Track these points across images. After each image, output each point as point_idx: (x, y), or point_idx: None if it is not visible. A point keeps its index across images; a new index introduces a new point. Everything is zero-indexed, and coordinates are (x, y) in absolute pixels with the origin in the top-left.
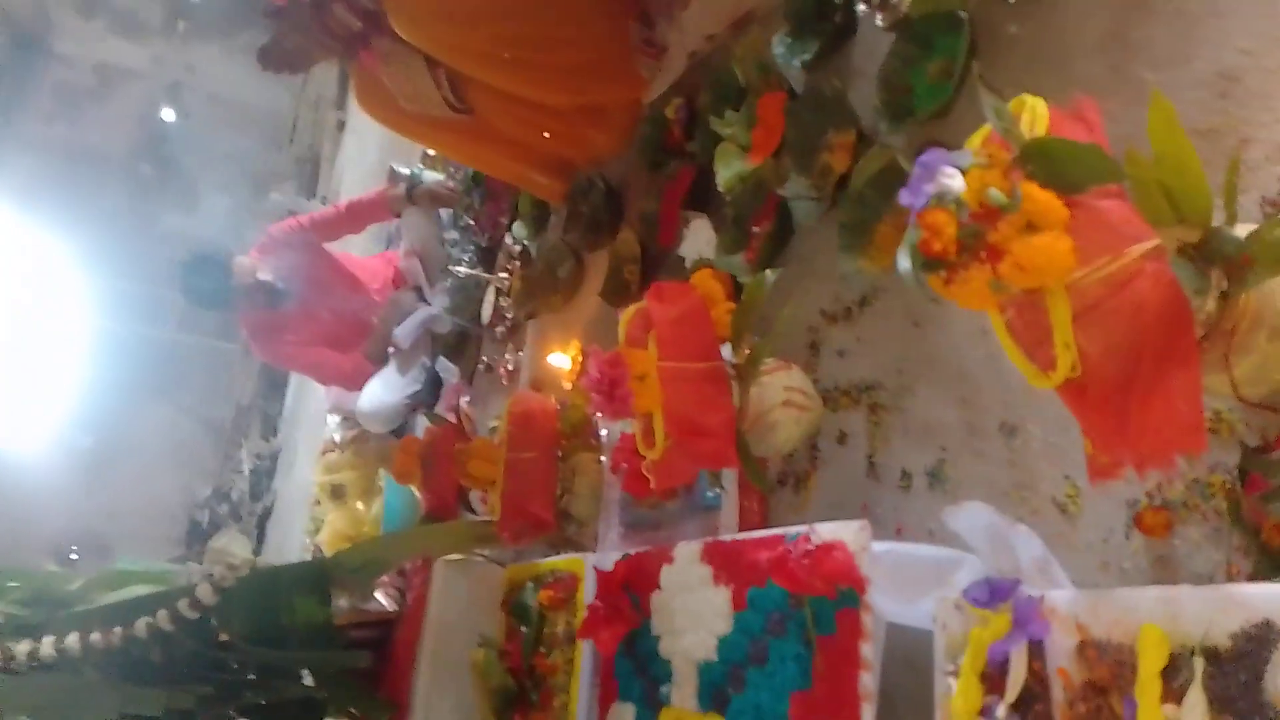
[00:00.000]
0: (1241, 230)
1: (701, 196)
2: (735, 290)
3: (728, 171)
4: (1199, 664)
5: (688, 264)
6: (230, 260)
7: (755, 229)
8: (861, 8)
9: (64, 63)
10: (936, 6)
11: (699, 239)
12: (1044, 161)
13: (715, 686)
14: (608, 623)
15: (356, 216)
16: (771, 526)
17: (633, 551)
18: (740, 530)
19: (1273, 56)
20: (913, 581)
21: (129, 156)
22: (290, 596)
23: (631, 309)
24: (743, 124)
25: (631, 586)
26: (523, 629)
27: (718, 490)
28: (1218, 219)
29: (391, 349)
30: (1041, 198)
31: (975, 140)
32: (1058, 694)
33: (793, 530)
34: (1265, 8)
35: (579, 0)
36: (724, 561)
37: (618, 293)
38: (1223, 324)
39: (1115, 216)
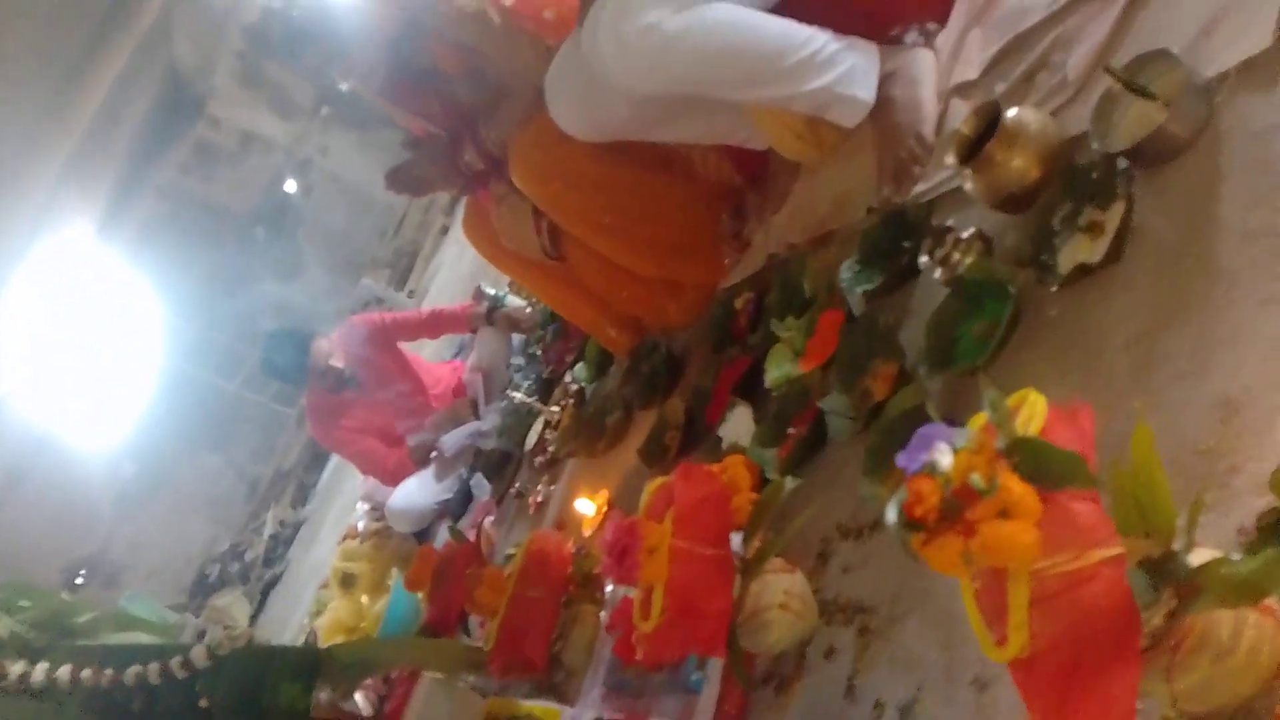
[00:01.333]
0: (1201, 555)
1: (751, 386)
2: (761, 482)
3: (778, 371)
4: None
5: (724, 445)
6: (311, 341)
7: (792, 430)
8: (924, 259)
9: (212, 123)
10: (989, 275)
11: (740, 425)
12: (1028, 457)
13: None
14: None
15: (436, 325)
16: None
17: (606, 716)
18: None
19: (1272, 399)
20: None
21: (247, 218)
22: (278, 679)
23: (657, 481)
24: (801, 331)
25: None
26: None
27: (701, 675)
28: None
29: (435, 454)
30: (1018, 490)
31: (976, 422)
32: None
33: None
34: (1267, 351)
35: (682, 187)
36: None
37: (656, 455)
38: (1167, 640)
39: (1084, 519)
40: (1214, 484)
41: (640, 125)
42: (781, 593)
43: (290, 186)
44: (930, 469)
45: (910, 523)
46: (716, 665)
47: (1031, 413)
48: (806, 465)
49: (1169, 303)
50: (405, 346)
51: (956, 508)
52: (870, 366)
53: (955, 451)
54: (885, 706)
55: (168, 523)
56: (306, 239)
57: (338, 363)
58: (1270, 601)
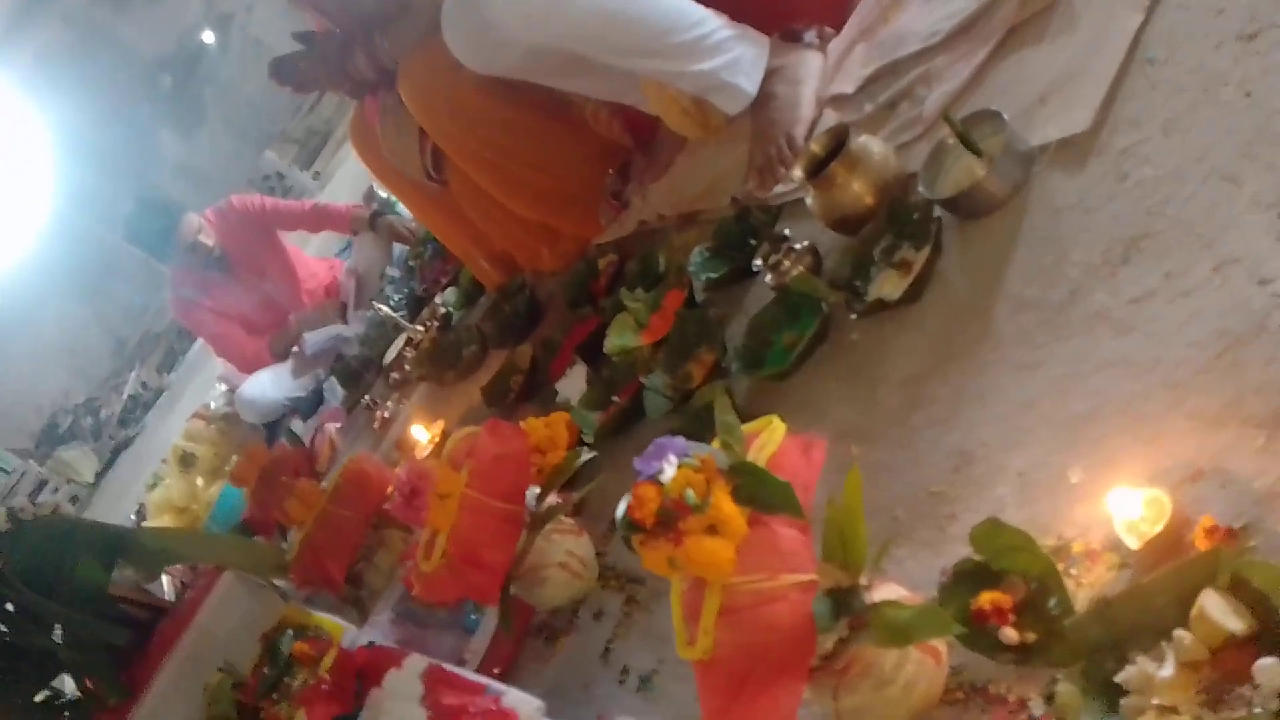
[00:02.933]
0: (886, 591)
1: (594, 349)
2: (579, 443)
3: (618, 339)
4: None
5: (558, 400)
6: (180, 215)
7: (616, 399)
8: (757, 262)
9: None
10: (810, 289)
11: (575, 384)
12: (746, 480)
13: None
14: (325, 700)
15: (318, 220)
16: (517, 670)
17: (380, 642)
18: (485, 661)
19: (999, 458)
20: None
21: (154, 64)
22: (78, 552)
23: (464, 432)
24: (646, 305)
25: (363, 675)
26: (266, 670)
27: (479, 618)
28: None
29: (295, 349)
30: (727, 511)
31: (717, 442)
32: None
33: (495, 685)
34: (1007, 414)
35: (571, 137)
36: (434, 686)
37: (497, 396)
38: (836, 663)
39: (786, 544)
40: (934, 525)
41: (532, 71)
42: (564, 552)
43: (208, 38)
44: (657, 477)
45: (631, 523)
46: (493, 612)
47: (769, 439)
48: (621, 435)
49: (944, 351)
50: (286, 237)
51: (672, 517)
52: (696, 353)
53: (679, 466)
54: (630, 673)
55: (22, 366)
56: (216, 99)
57: (207, 240)
58: (936, 642)
